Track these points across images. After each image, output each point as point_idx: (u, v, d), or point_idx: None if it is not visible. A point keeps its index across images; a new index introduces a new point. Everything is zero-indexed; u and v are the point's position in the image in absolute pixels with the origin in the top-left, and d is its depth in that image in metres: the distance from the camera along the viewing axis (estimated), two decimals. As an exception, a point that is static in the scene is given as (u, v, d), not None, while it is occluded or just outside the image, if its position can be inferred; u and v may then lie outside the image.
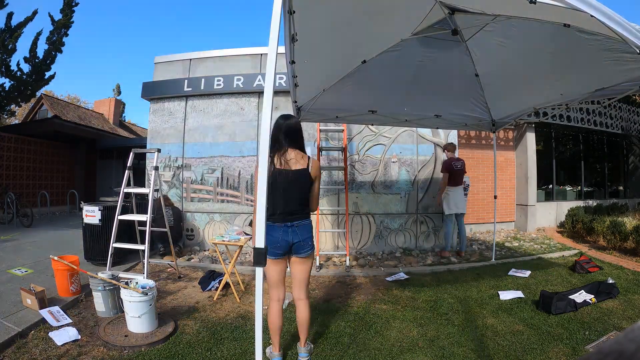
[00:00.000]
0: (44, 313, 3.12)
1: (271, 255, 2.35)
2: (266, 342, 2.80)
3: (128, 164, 4.21)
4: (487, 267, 5.23)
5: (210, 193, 6.44)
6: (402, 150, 6.43)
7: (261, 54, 6.55)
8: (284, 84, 5.93)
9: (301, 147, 2.49)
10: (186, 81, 6.48)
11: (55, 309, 3.22)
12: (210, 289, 4.09)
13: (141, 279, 3.22)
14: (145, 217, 3.94)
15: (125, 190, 4.13)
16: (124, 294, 2.92)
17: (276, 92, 5.93)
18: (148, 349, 2.69)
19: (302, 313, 2.51)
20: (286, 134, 2.42)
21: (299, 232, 2.39)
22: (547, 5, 1.67)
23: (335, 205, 6.21)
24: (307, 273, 2.53)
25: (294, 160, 2.40)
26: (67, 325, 3.04)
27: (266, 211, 1.90)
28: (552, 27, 2.40)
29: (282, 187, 2.34)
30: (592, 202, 9.53)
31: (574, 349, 2.73)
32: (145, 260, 3.78)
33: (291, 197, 2.38)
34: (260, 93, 6.34)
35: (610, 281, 3.93)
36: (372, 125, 6.02)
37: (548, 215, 8.99)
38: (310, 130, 6.31)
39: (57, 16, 10.79)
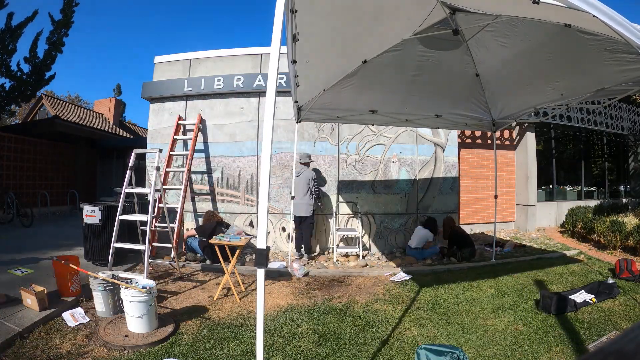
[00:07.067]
0: (66, 316, 3.15)
1: None
2: (266, 342, 2.80)
3: (130, 164, 4.21)
4: (487, 267, 5.23)
5: (210, 193, 6.43)
6: (402, 150, 6.42)
7: (261, 54, 6.54)
8: (284, 84, 5.93)
9: None
10: (186, 81, 6.47)
11: (78, 310, 3.28)
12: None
13: (141, 279, 3.22)
14: (146, 217, 3.95)
15: (127, 191, 4.13)
16: (124, 294, 2.92)
17: (276, 92, 5.92)
18: (148, 349, 2.69)
19: None
20: None
21: None
22: (549, 5, 1.67)
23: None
24: None
25: None
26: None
27: None
28: (553, 27, 2.40)
29: None
30: (592, 202, 9.52)
31: (574, 349, 2.73)
32: (146, 261, 3.78)
33: None
34: (260, 93, 6.34)
35: (610, 281, 3.92)
36: (373, 125, 6.02)
37: (548, 215, 8.98)
38: (310, 130, 6.31)
39: (57, 16, 10.79)
